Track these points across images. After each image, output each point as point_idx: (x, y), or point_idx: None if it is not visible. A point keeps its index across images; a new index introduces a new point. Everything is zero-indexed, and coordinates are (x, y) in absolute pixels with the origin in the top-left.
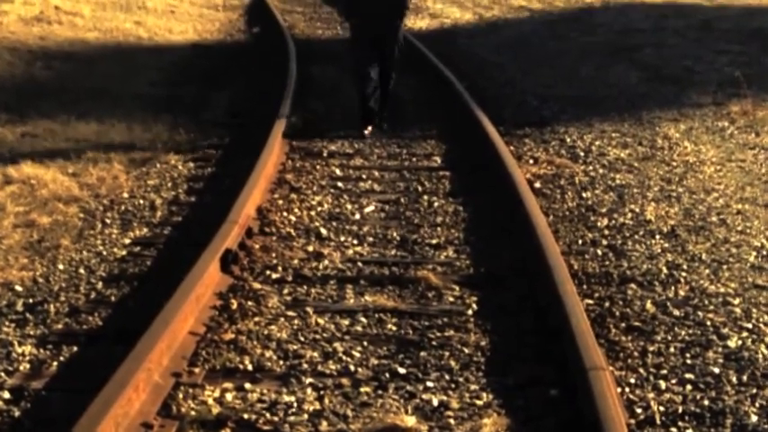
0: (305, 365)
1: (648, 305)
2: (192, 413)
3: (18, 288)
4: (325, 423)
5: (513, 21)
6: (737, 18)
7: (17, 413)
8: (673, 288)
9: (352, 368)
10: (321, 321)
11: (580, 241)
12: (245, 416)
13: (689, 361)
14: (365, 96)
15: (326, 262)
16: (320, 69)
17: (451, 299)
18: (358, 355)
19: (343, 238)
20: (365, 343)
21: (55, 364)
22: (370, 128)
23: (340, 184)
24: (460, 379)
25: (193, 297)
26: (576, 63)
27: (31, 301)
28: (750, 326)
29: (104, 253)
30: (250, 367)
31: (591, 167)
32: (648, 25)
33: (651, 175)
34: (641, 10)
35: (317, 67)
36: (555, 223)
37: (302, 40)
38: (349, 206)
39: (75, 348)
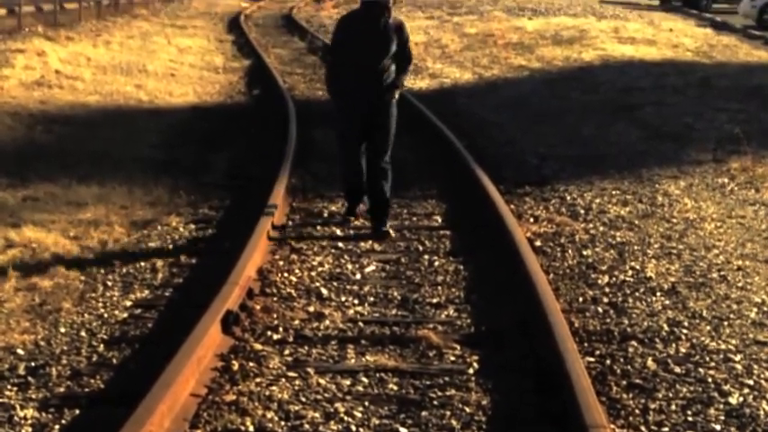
0: (306, 426)
1: (649, 362)
2: None
3: (20, 351)
4: None
5: (513, 80)
6: (736, 75)
7: None
8: (674, 345)
9: (353, 428)
10: (322, 382)
11: (581, 299)
12: None
13: (690, 418)
14: (352, 191)
15: (327, 322)
16: (320, 131)
17: (452, 358)
18: (359, 415)
19: (344, 298)
20: (366, 403)
21: (57, 427)
22: (361, 207)
23: (341, 244)
24: None
25: (194, 359)
26: (576, 122)
27: (32, 364)
28: (751, 382)
29: (106, 315)
30: (252, 429)
31: (591, 225)
32: (648, 83)
33: (651, 232)
34: (641, 68)
35: (317, 129)
36: (555, 281)
37: (302, 101)
38: (350, 266)
39: (76, 411)
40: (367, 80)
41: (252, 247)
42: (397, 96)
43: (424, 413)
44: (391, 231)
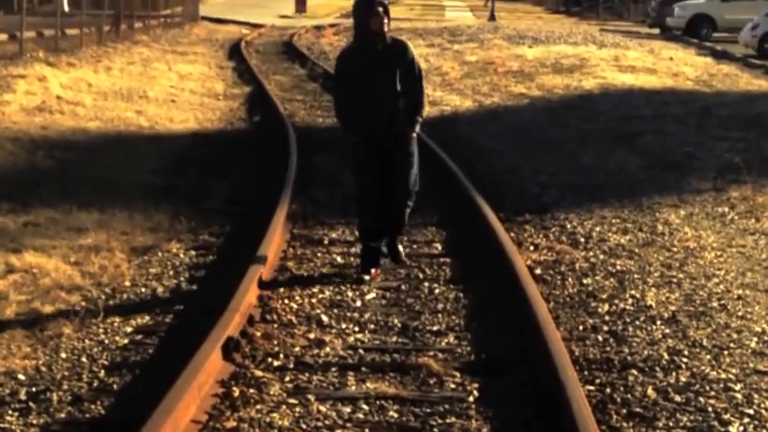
0: None
1: (650, 391)
2: None
3: (21, 377)
4: None
5: (513, 108)
6: (736, 105)
7: None
8: (674, 374)
9: None
10: (323, 409)
11: (581, 327)
12: None
13: None
14: (369, 232)
15: (328, 349)
16: (321, 157)
17: (453, 385)
18: None
19: (344, 326)
20: (367, 430)
21: None
22: (373, 272)
23: (341, 271)
24: None
25: (195, 385)
26: (576, 150)
27: (33, 389)
28: (752, 412)
29: (106, 341)
30: None
31: (591, 253)
32: (649, 112)
33: (652, 260)
34: (641, 96)
35: (317, 156)
36: (556, 309)
37: (302, 128)
38: (350, 293)
39: None
40: (378, 117)
41: (252, 273)
42: (415, 133)
43: None
44: (402, 253)
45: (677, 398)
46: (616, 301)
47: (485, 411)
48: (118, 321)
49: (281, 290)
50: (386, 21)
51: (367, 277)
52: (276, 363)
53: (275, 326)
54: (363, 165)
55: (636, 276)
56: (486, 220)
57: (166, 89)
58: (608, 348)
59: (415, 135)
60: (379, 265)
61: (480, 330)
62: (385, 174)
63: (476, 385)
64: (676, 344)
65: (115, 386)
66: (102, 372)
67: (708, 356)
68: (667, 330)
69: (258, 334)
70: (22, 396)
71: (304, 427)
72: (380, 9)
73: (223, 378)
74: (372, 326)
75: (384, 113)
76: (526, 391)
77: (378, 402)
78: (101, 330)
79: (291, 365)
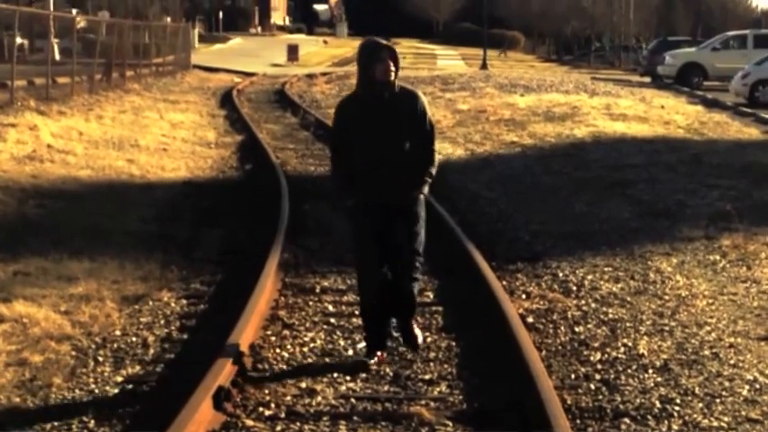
0: None
1: None
2: None
3: (10, 428)
4: None
5: (505, 156)
6: (727, 153)
7: None
8: (666, 422)
9: None
10: None
11: (573, 376)
12: None
13: None
14: (372, 312)
15: (319, 398)
16: (312, 206)
17: None
18: None
19: (336, 374)
20: None
21: None
22: (379, 355)
23: (333, 320)
24: None
25: None
26: (568, 198)
27: None
28: None
29: (97, 391)
30: None
31: (583, 302)
32: (640, 160)
33: (643, 309)
34: (633, 145)
35: (309, 204)
36: (548, 358)
37: (294, 176)
38: (342, 342)
39: None
40: (381, 178)
41: (243, 322)
42: (423, 195)
43: None
44: (420, 336)
45: None
46: (608, 350)
47: None
48: (108, 371)
49: (273, 339)
50: (393, 68)
51: (371, 362)
52: (267, 412)
53: (267, 375)
54: (363, 234)
55: (628, 325)
56: (478, 269)
57: (158, 138)
58: (600, 397)
59: (422, 197)
60: (386, 347)
61: (472, 379)
62: (388, 244)
63: None
64: (668, 392)
65: None
66: (93, 422)
67: (700, 405)
68: (659, 379)
69: (249, 383)
70: None
71: None
72: (387, 54)
73: (214, 428)
74: (364, 374)
75: (388, 174)
76: None
77: None
78: (91, 380)
79: (283, 415)
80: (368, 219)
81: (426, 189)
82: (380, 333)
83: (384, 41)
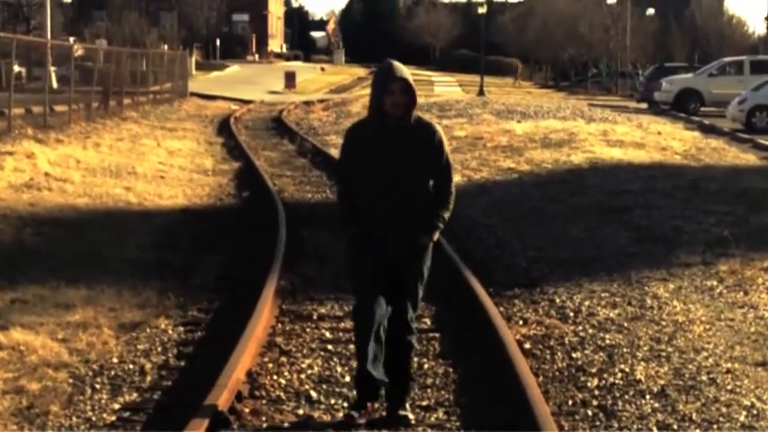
0: None
1: None
2: None
3: None
4: None
5: (502, 182)
6: (724, 178)
7: None
8: None
9: None
10: None
11: (570, 402)
12: None
13: None
14: (367, 357)
15: (317, 425)
16: (310, 233)
17: None
18: None
19: (333, 401)
20: None
21: None
22: (368, 407)
23: (330, 346)
24: None
25: None
26: (565, 224)
27: None
28: None
29: (94, 419)
30: None
31: (580, 328)
32: (637, 186)
33: (641, 334)
34: (630, 171)
35: (306, 231)
36: (545, 383)
37: (292, 203)
38: (339, 368)
39: None
40: (390, 216)
41: (241, 349)
42: (435, 239)
43: None
44: (411, 416)
45: None
46: (605, 375)
47: None
48: (105, 398)
49: (270, 365)
50: (404, 103)
51: (357, 415)
52: None
53: (264, 402)
54: (363, 272)
55: (625, 350)
56: (476, 295)
57: (155, 165)
58: (597, 423)
59: (430, 245)
60: (377, 398)
61: (470, 405)
62: (388, 291)
63: None
64: (666, 418)
65: None
66: None
67: (697, 431)
68: (657, 404)
69: (246, 410)
70: None
71: None
72: (400, 87)
73: None
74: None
75: (396, 219)
76: None
77: None
78: (88, 408)
79: None
80: (369, 254)
81: (436, 235)
82: (372, 382)
83: (403, 70)
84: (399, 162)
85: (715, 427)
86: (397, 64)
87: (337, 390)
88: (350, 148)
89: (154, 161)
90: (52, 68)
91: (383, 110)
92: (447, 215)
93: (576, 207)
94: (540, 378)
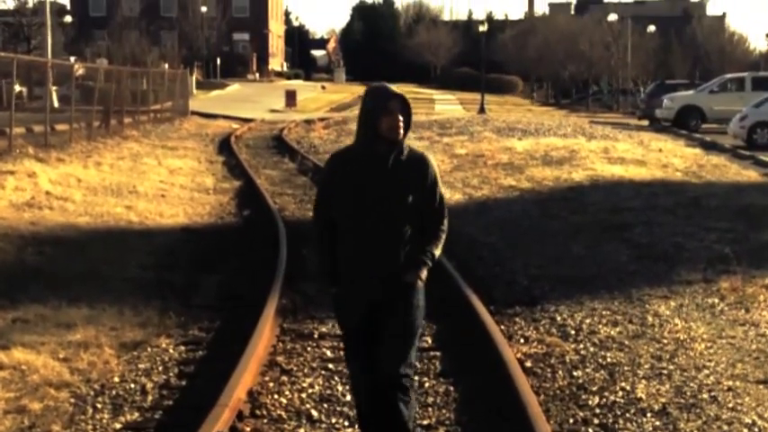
0: None
1: None
2: None
3: None
4: None
5: (503, 200)
6: (725, 195)
7: None
8: None
9: None
10: None
11: (571, 420)
12: None
13: None
14: (366, 409)
15: None
16: (311, 251)
17: None
18: None
19: (334, 420)
20: None
21: None
22: None
23: (331, 365)
24: None
25: None
26: (566, 242)
27: None
28: None
29: None
30: None
31: (581, 346)
32: (638, 203)
33: (642, 352)
34: (631, 188)
35: (307, 249)
36: (546, 402)
37: (293, 221)
38: (340, 387)
39: None
40: (374, 254)
41: (242, 368)
42: (424, 278)
43: None
44: None
45: None
46: (606, 394)
47: None
48: (107, 418)
49: (271, 385)
50: (402, 124)
51: None
52: None
53: (265, 421)
54: (351, 327)
55: (626, 368)
56: (476, 313)
57: (156, 184)
58: None
59: (420, 284)
60: None
61: (471, 424)
62: (378, 336)
63: None
64: None
65: None
66: None
67: None
68: (658, 423)
69: (247, 430)
70: None
71: None
72: (398, 106)
73: None
74: None
75: (381, 257)
76: None
77: None
78: (89, 427)
79: None
80: (356, 304)
81: (424, 274)
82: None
83: (396, 90)
84: (386, 198)
85: None
86: (389, 86)
87: (338, 409)
88: (329, 181)
89: (155, 180)
90: (53, 88)
91: (378, 135)
92: (437, 252)
93: (577, 224)
94: (542, 396)
